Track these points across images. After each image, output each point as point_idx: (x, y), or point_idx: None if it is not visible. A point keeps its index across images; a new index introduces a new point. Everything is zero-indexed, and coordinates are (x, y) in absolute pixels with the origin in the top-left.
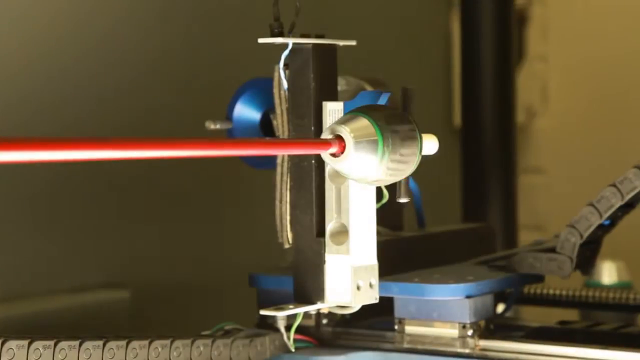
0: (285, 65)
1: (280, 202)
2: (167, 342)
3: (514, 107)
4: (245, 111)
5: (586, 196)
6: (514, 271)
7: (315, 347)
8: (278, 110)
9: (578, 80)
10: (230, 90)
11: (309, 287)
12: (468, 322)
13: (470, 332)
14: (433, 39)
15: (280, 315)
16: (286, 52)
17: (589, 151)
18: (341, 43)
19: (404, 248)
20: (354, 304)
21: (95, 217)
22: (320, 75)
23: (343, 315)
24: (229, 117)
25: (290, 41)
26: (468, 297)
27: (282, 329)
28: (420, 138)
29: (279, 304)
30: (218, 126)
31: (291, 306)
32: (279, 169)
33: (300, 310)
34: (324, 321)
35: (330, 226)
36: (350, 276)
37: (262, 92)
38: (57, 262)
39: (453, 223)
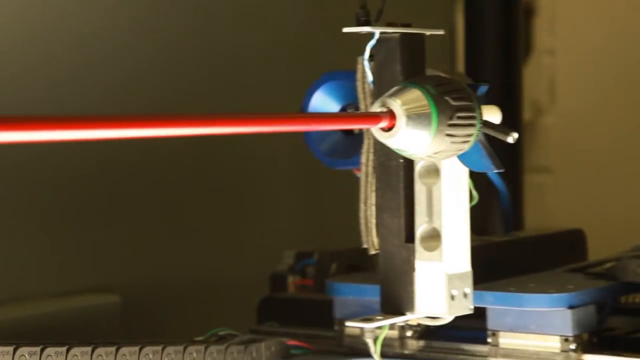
0: (370, 56)
1: (365, 204)
2: (159, 348)
3: (520, 104)
4: (322, 106)
5: (595, 196)
6: (615, 279)
7: (313, 353)
8: (362, 105)
9: (587, 75)
10: (307, 83)
11: (397, 297)
12: (571, 334)
13: (573, 346)
14: None
15: (369, 327)
16: (372, 42)
17: (599, 149)
18: (428, 32)
19: (493, 254)
20: (448, 314)
21: (85, 219)
22: (409, 67)
23: (428, 327)
24: (304, 112)
25: (377, 30)
26: (571, 307)
27: (370, 342)
28: (479, 110)
29: (356, 313)
30: None
31: (379, 317)
32: (363, 168)
33: (389, 321)
34: (408, 333)
35: (420, 230)
36: (444, 285)
37: (340, 86)
38: (45, 265)
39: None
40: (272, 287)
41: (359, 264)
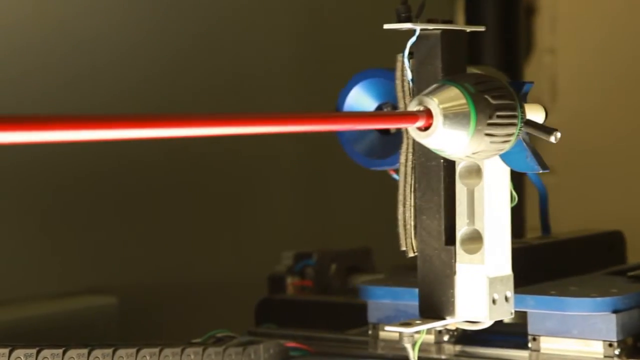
0: (409, 54)
1: (404, 206)
2: (156, 350)
3: None
4: (357, 105)
5: (597, 197)
6: None
7: (312, 355)
8: (401, 104)
9: (588, 74)
10: (342, 81)
11: (437, 301)
12: (615, 340)
13: (617, 352)
14: None
15: (408, 332)
16: (413, 39)
17: (600, 149)
18: (468, 29)
19: (532, 257)
20: (489, 319)
21: (82, 221)
22: (449, 65)
23: (465, 331)
24: (339, 110)
25: (418, 27)
26: (615, 311)
27: (409, 347)
28: (521, 108)
29: (391, 317)
30: None
31: (418, 321)
32: (402, 169)
33: (428, 326)
34: (445, 337)
35: (461, 232)
36: (486, 288)
37: (377, 84)
38: (42, 266)
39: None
40: (271, 289)
41: (358, 265)
